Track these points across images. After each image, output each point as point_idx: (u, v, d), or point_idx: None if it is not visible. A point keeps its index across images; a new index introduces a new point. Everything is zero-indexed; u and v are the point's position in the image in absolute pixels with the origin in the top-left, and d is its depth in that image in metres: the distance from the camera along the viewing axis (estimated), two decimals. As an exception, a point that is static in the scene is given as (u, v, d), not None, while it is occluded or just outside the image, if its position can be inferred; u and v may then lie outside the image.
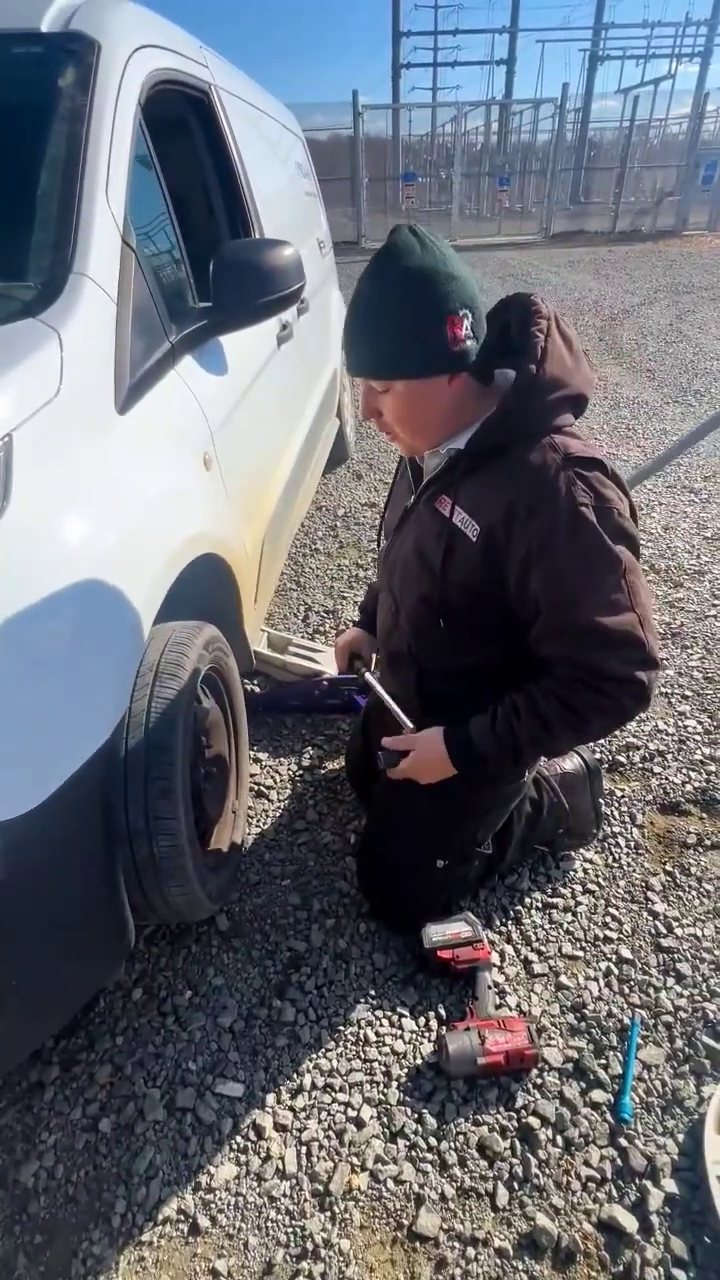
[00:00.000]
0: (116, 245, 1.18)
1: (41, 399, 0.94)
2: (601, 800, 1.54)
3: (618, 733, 1.84)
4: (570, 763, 1.51)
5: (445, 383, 1.03)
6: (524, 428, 1.03)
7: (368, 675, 1.41)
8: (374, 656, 1.52)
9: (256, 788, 1.73)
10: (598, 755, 1.74)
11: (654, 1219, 0.99)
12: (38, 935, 0.87)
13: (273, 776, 1.76)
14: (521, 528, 1.01)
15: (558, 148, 13.49)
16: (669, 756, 1.77)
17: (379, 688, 1.34)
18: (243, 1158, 1.07)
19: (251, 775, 1.74)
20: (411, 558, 1.18)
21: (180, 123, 1.78)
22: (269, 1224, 1.01)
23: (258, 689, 2.00)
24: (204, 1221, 1.01)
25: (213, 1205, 1.03)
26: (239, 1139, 1.10)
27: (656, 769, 1.74)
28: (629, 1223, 0.98)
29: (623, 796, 1.67)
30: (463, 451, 1.07)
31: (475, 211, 16.49)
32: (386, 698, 1.30)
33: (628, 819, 1.62)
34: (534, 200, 15.79)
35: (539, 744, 1.12)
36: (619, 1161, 1.05)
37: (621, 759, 1.77)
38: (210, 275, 1.39)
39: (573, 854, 1.52)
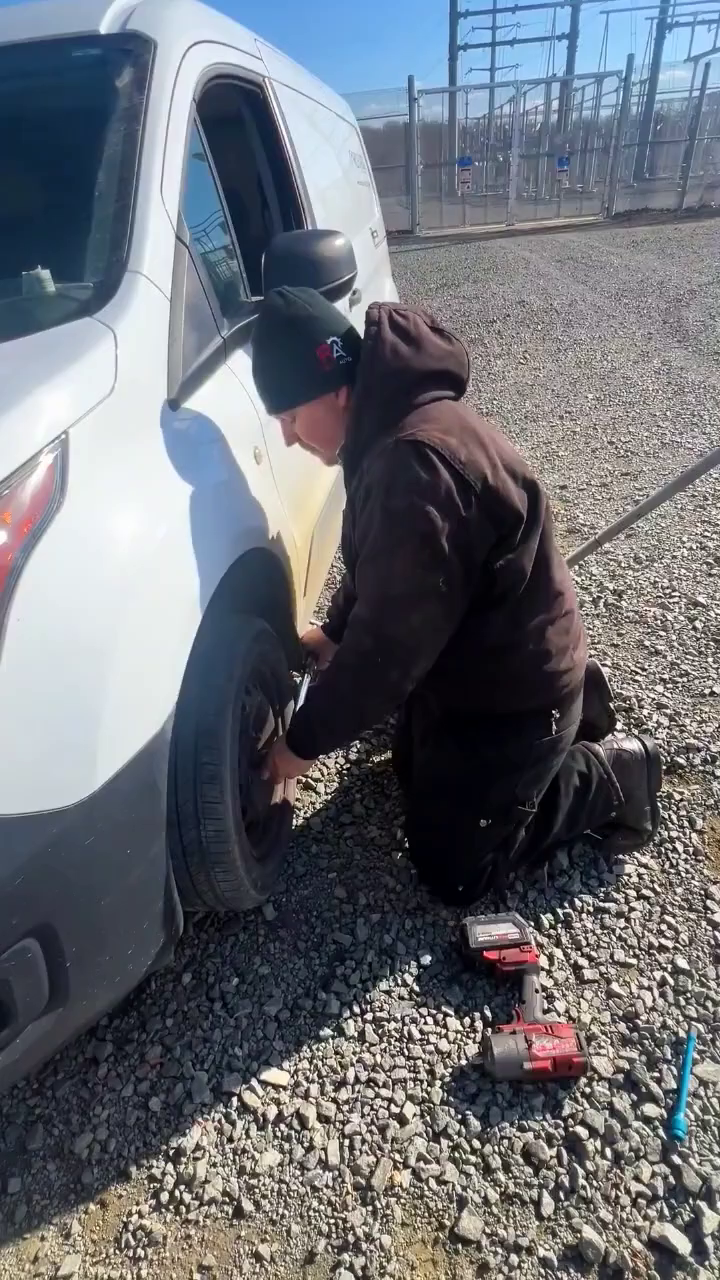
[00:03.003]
0: (170, 243, 1.19)
1: (97, 396, 0.96)
2: (659, 796, 1.48)
3: (677, 733, 1.77)
4: (631, 744, 1.49)
5: (334, 397, 1.23)
6: (377, 423, 1.18)
7: (304, 677, 1.53)
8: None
9: (303, 780, 1.74)
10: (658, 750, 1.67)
11: (709, 1242, 0.95)
12: (92, 919, 0.90)
13: (320, 769, 1.77)
14: (362, 501, 1.20)
15: (622, 123, 12.96)
16: (733, 759, 1.69)
17: (302, 691, 1.49)
18: (286, 1145, 1.09)
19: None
20: (347, 545, 1.35)
21: (234, 117, 1.79)
22: (311, 1213, 1.01)
23: (307, 667, 2.01)
24: (248, 1205, 1.03)
25: (257, 1190, 1.04)
26: (283, 1127, 1.11)
27: (718, 772, 1.66)
28: (681, 1244, 0.95)
29: (681, 800, 1.60)
30: (343, 455, 1.28)
31: (534, 194, 16.06)
32: (299, 702, 1.46)
33: (686, 824, 1.55)
34: (595, 179, 15.22)
35: (326, 723, 1.29)
36: (672, 1180, 1.01)
37: (681, 761, 1.70)
38: (262, 268, 1.40)
39: (624, 857, 1.47)
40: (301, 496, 1.69)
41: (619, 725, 1.75)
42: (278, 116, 1.89)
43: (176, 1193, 1.05)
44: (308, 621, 1.96)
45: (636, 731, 1.79)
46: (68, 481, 0.88)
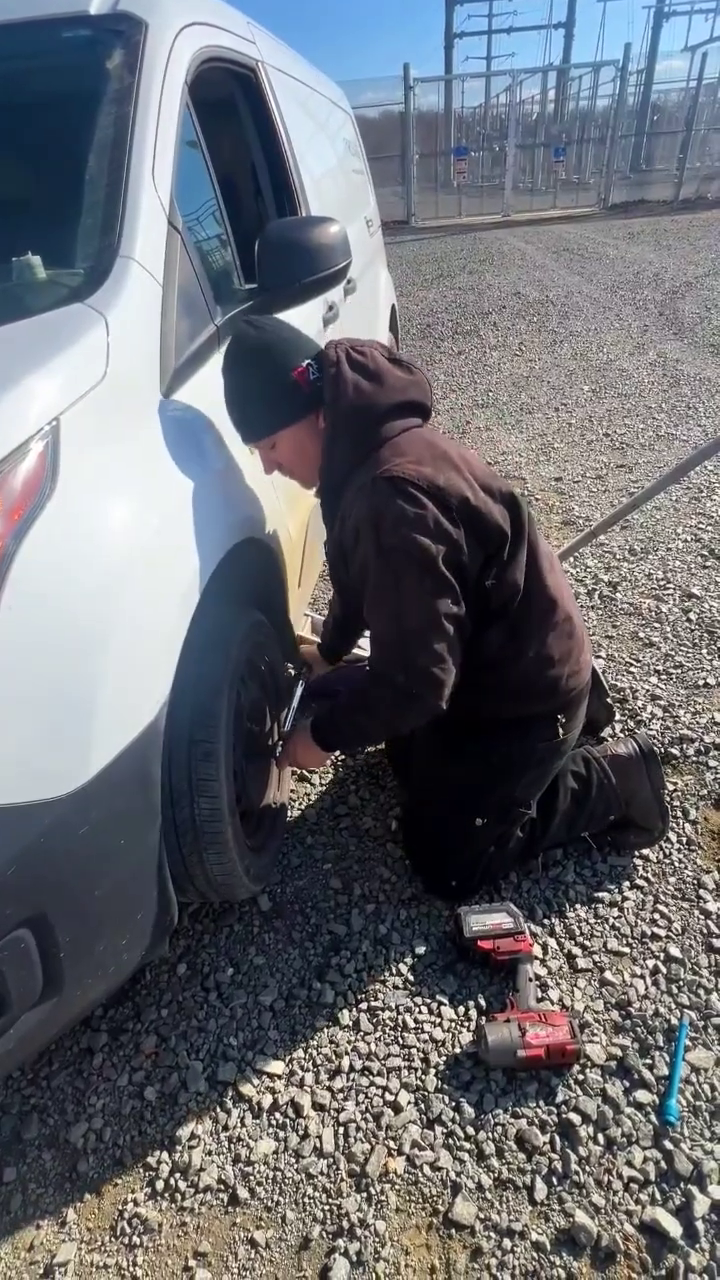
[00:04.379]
0: (163, 228, 1.18)
1: (88, 383, 0.95)
2: (665, 792, 1.48)
3: (671, 724, 1.78)
4: (624, 746, 1.48)
5: (315, 421, 1.22)
6: (349, 460, 1.19)
7: (299, 683, 1.55)
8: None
9: (298, 772, 1.74)
10: (652, 743, 1.68)
11: (699, 1225, 0.96)
12: (86, 910, 0.90)
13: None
14: (346, 541, 1.21)
15: (618, 113, 12.89)
16: (726, 750, 1.70)
17: (297, 693, 1.51)
18: (281, 1134, 1.09)
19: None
20: (334, 568, 1.36)
21: (227, 101, 1.77)
22: (306, 1200, 1.02)
23: (301, 673, 2.01)
24: (243, 1193, 1.03)
25: (252, 1178, 1.05)
26: (278, 1115, 1.11)
27: (712, 762, 1.67)
28: (673, 1227, 0.96)
29: (675, 790, 1.61)
30: (321, 493, 1.29)
31: (530, 185, 15.97)
32: (295, 702, 1.48)
33: (680, 814, 1.56)
34: (592, 170, 15.14)
35: (365, 724, 1.31)
36: (663, 1164, 1.02)
37: (675, 751, 1.70)
38: (255, 255, 1.38)
39: (621, 850, 1.48)
40: (296, 487, 1.68)
41: (616, 717, 1.76)
42: (271, 102, 1.86)
43: (172, 1181, 1.05)
44: (302, 614, 1.95)
45: (626, 732, 1.79)
46: (59, 469, 0.87)
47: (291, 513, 1.60)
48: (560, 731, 1.32)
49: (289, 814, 1.61)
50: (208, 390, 1.25)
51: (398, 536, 1.11)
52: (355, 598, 1.28)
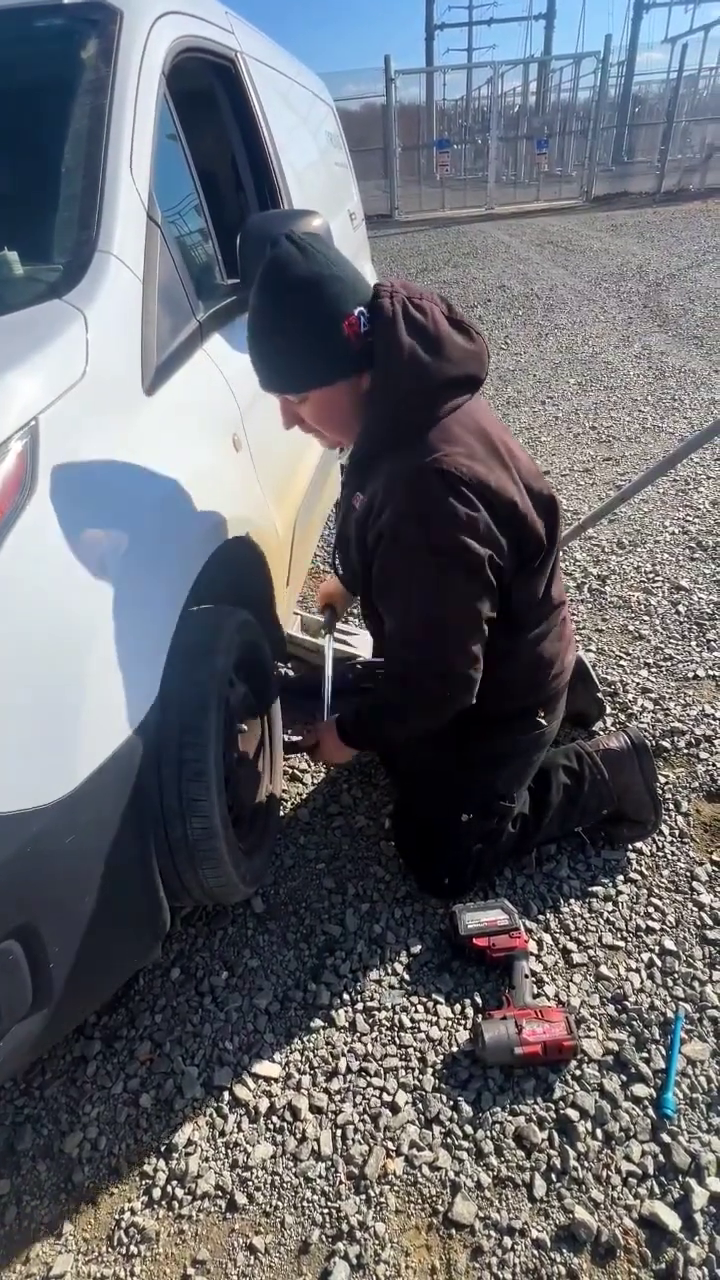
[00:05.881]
0: (142, 222, 1.15)
1: (67, 382, 0.93)
2: (657, 785, 1.48)
3: (662, 717, 1.78)
4: (615, 740, 1.48)
5: (358, 381, 1.06)
6: (393, 434, 1.06)
7: (328, 641, 1.47)
8: (350, 611, 1.63)
9: (290, 771, 1.72)
10: (643, 736, 1.68)
11: (698, 1218, 0.96)
12: (75, 918, 0.88)
13: (306, 760, 1.76)
14: (374, 522, 1.09)
15: (600, 105, 12.88)
16: (717, 742, 1.70)
17: (329, 663, 1.43)
18: (279, 1138, 1.08)
19: (285, 759, 1.74)
20: (343, 544, 1.30)
21: (206, 92, 1.74)
22: (305, 1204, 1.01)
23: (291, 673, 1.99)
24: (241, 1198, 1.02)
25: (250, 1183, 1.04)
26: (275, 1119, 1.10)
27: (703, 754, 1.68)
28: (671, 1220, 0.96)
29: (668, 783, 1.61)
30: (350, 460, 1.16)
31: (513, 177, 15.94)
32: (328, 677, 1.42)
33: (672, 806, 1.56)
34: (574, 163, 15.13)
35: (392, 729, 1.26)
36: (661, 1158, 1.02)
37: (666, 744, 1.71)
38: (237, 249, 1.36)
39: (614, 844, 1.48)
40: (283, 484, 1.66)
41: (607, 711, 1.76)
42: (251, 93, 1.84)
43: (169, 1188, 1.04)
44: (291, 612, 1.94)
45: (617, 725, 1.80)
46: (38, 470, 0.85)
47: (279, 510, 1.58)
48: (542, 725, 1.32)
49: (281, 814, 1.60)
50: (191, 387, 1.23)
51: (447, 536, 1.03)
52: (357, 572, 1.24)
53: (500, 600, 1.16)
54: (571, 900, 1.39)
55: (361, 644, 1.97)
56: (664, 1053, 1.14)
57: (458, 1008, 1.22)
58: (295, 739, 1.42)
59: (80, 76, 1.19)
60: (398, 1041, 1.18)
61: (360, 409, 1.08)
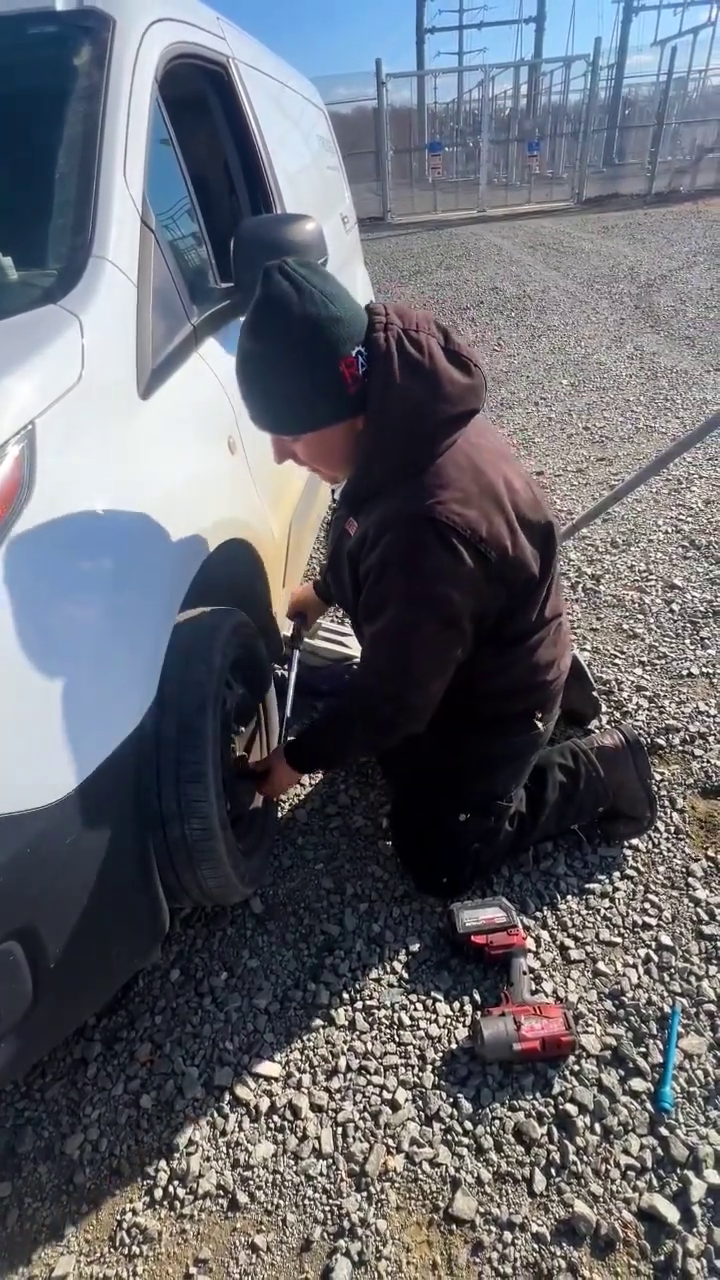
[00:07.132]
0: (136, 227, 1.16)
1: (63, 386, 0.94)
2: (651, 781, 1.49)
3: (657, 714, 1.79)
4: (610, 738, 1.49)
5: (353, 423, 1.05)
6: (389, 472, 1.07)
7: (296, 652, 1.49)
8: (318, 623, 1.65)
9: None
10: (638, 733, 1.69)
11: (696, 1210, 0.97)
12: (74, 920, 0.89)
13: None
14: (365, 556, 1.12)
15: (590, 107, 12.94)
16: (710, 739, 1.72)
17: (293, 675, 1.46)
18: (280, 1136, 1.09)
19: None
20: (335, 566, 1.30)
21: (199, 98, 1.75)
22: (306, 1202, 1.02)
23: (287, 674, 2.00)
24: (243, 1198, 1.03)
25: (251, 1182, 1.04)
26: (276, 1118, 1.11)
27: (698, 751, 1.69)
28: (670, 1213, 0.97)
29: (663, 780, 1.62)
30: (343, 493, 1.19)
31: (505, 180, 15.99)
32: (290, 689, 1.46)
33: (668, 803, 1.57)
34: (565, 165, 15.20)
35: (335, 741, 1.30)
36: (659, 1151, 1.03)
37: (661, 741, 1.72)
38: (230, 253, 1.37)
39: (610, 841, 1.49)
40: (279, 486, 1.67)
41: (603, 709, 1.77)
42: (243, 99, 1.85)
43: (170, 1188, 1.04)
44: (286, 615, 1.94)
45: (612, 723, 1.81)
46: (35, 473, 0.86)
47: (274, 512, 1.59)
48: (538, 726, 1.33)
49: (279, 814, 1.61)
50: (186, 391, 1.24)
51: (429, 586, 1.05)
52: (349, 595, 1.26)
53: (494, 624, 1.19)
54: (569, 897, 1.39)
55: (356, 645, 1.98)
56: (661, 1047, 1.14)
57: (456, 1005, 1.23)
58: (253, 761, 1.42)
59: (74, 83, 1.20)
60: (397, 1039, 1.19)
61: (356, 447, 1.07)
